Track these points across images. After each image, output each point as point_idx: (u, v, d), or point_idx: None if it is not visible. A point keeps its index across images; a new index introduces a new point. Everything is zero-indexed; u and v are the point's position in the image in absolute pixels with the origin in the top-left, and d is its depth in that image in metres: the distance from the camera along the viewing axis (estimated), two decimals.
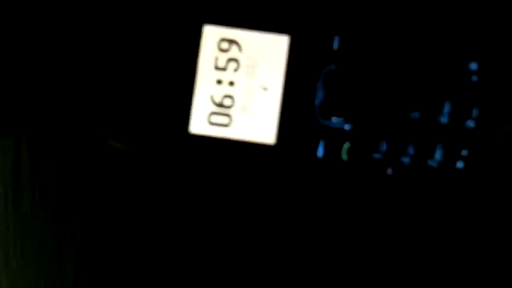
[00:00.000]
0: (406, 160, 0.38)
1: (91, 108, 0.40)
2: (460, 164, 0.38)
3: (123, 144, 0.40)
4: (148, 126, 0.39)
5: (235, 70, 0.38)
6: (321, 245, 0.40)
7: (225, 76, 0.38)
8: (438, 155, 0.38)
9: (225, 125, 0.39)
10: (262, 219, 0.40)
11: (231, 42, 0.38)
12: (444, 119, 0.38)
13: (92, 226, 0.41)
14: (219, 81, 0.38)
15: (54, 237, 0.41)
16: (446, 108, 0.37)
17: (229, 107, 0.38)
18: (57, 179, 0.41)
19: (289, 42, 0.38)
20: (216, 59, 0.38)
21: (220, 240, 0.41)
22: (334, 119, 0.38)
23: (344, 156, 0.38)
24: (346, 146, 0.38)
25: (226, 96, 0.38)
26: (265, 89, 0.38)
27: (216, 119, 0.39)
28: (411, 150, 0.38)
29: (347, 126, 0.38)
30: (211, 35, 0.38)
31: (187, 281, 0.41)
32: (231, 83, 0.38)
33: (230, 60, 0.38)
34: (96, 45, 0.39)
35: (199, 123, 0.39)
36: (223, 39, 0.38)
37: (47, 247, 0.41)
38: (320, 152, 0.38)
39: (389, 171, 0.38)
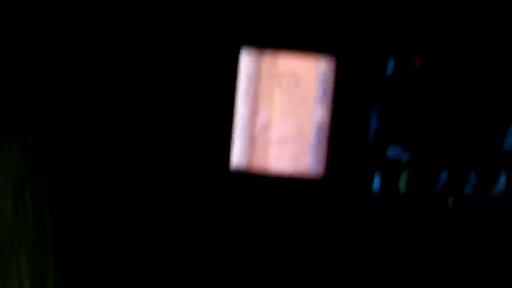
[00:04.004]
0: (468, 189, 0.35)
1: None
2: None
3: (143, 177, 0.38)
4: (184, 162, 0.37)
5: (276, 96, 0.36)
6: (380, 283, 0.37)
7: (265, 102, 0.36)
8: (502, 182, 0.35)
9: (266, 159, 0.36)
10: (314, 259, 0.37)
11: (272, 64, 0.35)
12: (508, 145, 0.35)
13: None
14: (258, 109, 0.36)
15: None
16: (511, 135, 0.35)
17: (269, 138, 0.36)
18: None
19: (335, 64, 0.35)
20: (255, 82, 0.36)
21: (268, 277, 0.38)
22: (391, 149, 0.35)
23: (402, 187, 0.36)
24: (404, 176, 0.35)
25: (266, 124, 0.36)
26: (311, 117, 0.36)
27: (256, 152, 0.36)
28: (473, 179, 0.35)
29: (405, 156, 0.35)
30: (250, 57, 0.36)
31: None
32: (271, 109, 0.36)
33: (271, 83, 0.36)
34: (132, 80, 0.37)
35: (239, 159, 0.36)
36: (263, 62, 0.36)
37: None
38: (376, 185, 0.36)
39: (451, 201, 0.36)
